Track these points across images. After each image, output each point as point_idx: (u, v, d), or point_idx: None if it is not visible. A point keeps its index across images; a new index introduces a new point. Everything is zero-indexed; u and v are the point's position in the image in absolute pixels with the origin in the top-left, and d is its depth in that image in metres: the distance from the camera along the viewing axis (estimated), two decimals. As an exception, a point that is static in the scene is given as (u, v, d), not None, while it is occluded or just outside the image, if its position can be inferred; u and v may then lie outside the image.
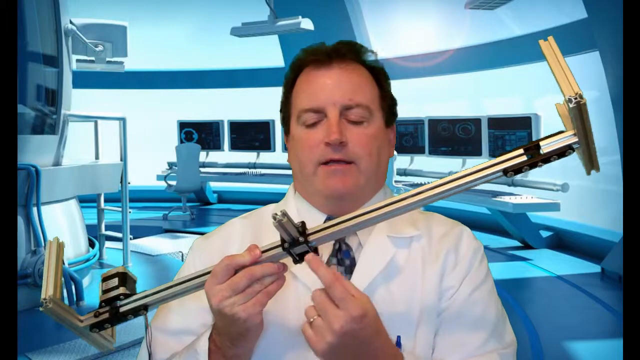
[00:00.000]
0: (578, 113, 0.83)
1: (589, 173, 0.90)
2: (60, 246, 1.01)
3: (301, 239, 0.89)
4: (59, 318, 0.97)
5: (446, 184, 0.90)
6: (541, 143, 0.88)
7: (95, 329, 0.97)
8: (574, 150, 0.87)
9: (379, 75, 1.11)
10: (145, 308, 0.97)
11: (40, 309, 0.95)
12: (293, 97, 1.10)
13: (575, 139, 0.86)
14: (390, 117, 1.11)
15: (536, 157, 0.87)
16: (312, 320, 0.87)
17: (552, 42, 0.86)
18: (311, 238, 0.90)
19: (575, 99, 0.81)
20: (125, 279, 0.98)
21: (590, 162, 0.87)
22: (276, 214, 0.87)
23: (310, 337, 0.87)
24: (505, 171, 0.88)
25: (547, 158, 0.87)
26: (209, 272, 0.93)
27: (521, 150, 0.88)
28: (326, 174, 1.03)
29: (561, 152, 0.87)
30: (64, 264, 0.97)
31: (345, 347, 0.86)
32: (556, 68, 0.85)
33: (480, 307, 1.02)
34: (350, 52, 1.09)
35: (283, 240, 0.90)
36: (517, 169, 0.88)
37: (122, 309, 0.96)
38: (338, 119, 1.03)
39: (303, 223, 0.90)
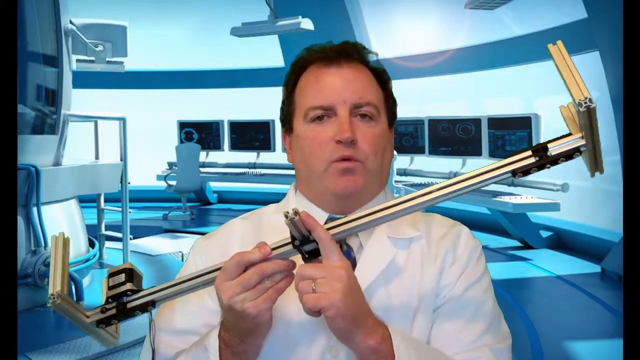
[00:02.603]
0: (587, 117, 0.83)
1: (592, 175, 0.90)
2: (65, 242, 1.01)
3: (312, 237, 0.90)
4: (66, 314, 0.97)
5: (455, 184, 0.91)
6: (549, 145, 0.88)
7: (102, 324, 0.97)
8: (581, 153, 0.87)
9: (382, 77, 1.12)
10: (152, 304, 0.97)
11: (48, 304, 0.96)
12: (297, 95, 1.10)
13: (582, 142, 0.87)
14: (392, 119, 1.13)
15: (544, 160, 0.88)
16: (312, 287, 0.88)
17: (560, 46, 0.86)
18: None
19: (585, 103, 0.82)
20: (132, 275, 0.98)
21: (595, 165, 0.88)
22: (287, 213, 0.88)
23: (317, 299, 0.88)
24: (513, 172, 0.89)
25: (555, 160, 0.88)
26: (217, 269, 0.94)
27: (529, 152, 0.89)
28: (337, 173, 1.04)
29: (569, 155, 0.87)
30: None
31: (352, 295, 0.89)
32: (565, 72, 0.85)
33: (475, 304, 1.03)
34: (356, 53, 1.10)
35: (293, 238, 0.91)
36: (526, 171, 0.89)
37: (129, 305, 0.96)
38: (349, 116, 1.04)
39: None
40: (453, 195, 0.92)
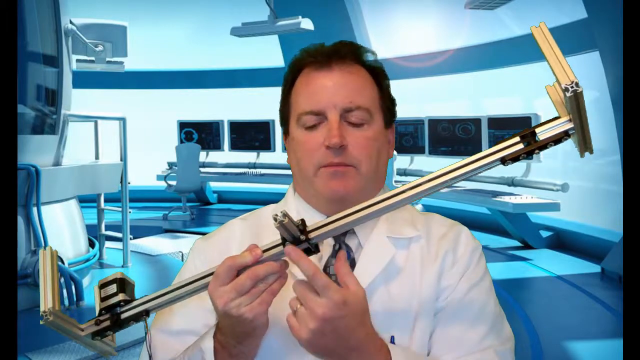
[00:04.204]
0: (575, 101, 0.82)
1: (582, 155, 0.89)
2: (53, 255, 0.99)
3: (302, 237, 0.90)
4: (60, 329, 0.96)
5: (444, 175, 0.89)
6: (537, 130, 0.87)
7: (97, 337, 0.97)
8: (569, 137, 0.86)
9: (379, 75, 1.11)
10: (147, 313, 0.97)
11: (41, 322, 0.94)
12: (292, 99, 1.10)
13: (570, 125, 0.85)
14: (389, 118, 1.11)
15: (533, 145, 0.86)
16: (295, 309, 0.89)
17: (543, 28, 0.85)
18: (311, 235, 0.91)
19: (572, 87, 0.80)
20: (123, 284, 0.97)
21: (584, 145, 0.87)
22: (277, 215, 0.87)
23: (293, 326, 0.88)
24: (503, 160, 0.87)
25: (544, 145, 0.86)
26: (209, 275, 0.93)
27: (517, 138, 0.87)
28: (327, 176, 1.04)
29: (557, 139, 0.86)
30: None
31: (327, 335, 0.87)
32: (550, 55, 0.83)
33: (477, 305, 1.03)
34: (350, 53, 1.08)
35: (284, 239, 0.90)
36: (515, 158, 0.87)
37: (123, 316, 0.96)
38: (338, 122, 1.03)
39: (303, 221, 0.91)
40: (444, 185, 0.89)
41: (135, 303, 0.96)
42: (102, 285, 0.98)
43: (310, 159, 1.05)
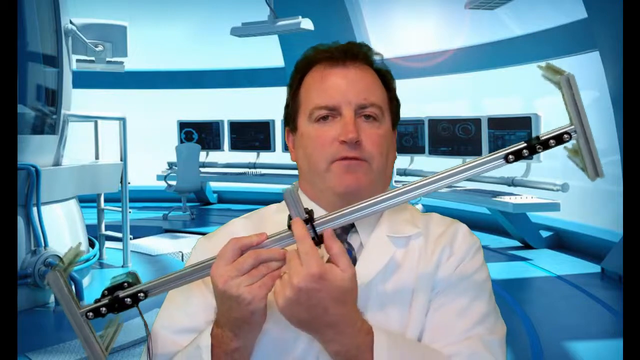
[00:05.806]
0: (568, 87, 0.85)
1: (593, 179, 0.90)
2: (79, 253, 1.02)
3: (307, 216, 0.91)
4: (60, 292, 0.96)
5: (451, 172, 0.92)
6: (541, 136, 0.91)
7: (90, 312, 0.97)
8: (570, 137, 0.89)
9: (387, 78, 1.13)
10: (144, 293, 0.97)
11: (49, 274, 0.96)
12: (302, 94, 1.11)
13: (572, 127, 0.88)
14: (395, 120, 1.14)
15: (535, 142, 0.90)
16: (282, 274, 0.90)
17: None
18: (316, 222, 0.92)
19: (563, 76, 0.85)
20: (134, 276, 1.00)
21: (593, 165, 0.88)
22: (289, 185, 0.90)
23: (275, 290, 0.89)
24: (506, 156, 0.90)
25: (546, 142, 0.89)
26: (212, 260, 0.94)
27: (523, 143, 0.91)
28: (340, 170, 1.05)
29: (558, 136, 0.89)
30: (64, 264, 0.98)
31: (300, 305, 0.88)
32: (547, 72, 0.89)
33: (470, 296, 1.03)
34: (361, 54, 1.10)
35: (290, 218, 0.92)
36: (517, 154, 0.90)
37: (120, 295, 0.97)
38: (354, 117, 1.05)
39: (311, 210, 0.92)
40: (450, 182, 0.93)
41: (137, 286, 0.97)
42: (115, 277, 1.00)
43: (322, 153, 1.05)
